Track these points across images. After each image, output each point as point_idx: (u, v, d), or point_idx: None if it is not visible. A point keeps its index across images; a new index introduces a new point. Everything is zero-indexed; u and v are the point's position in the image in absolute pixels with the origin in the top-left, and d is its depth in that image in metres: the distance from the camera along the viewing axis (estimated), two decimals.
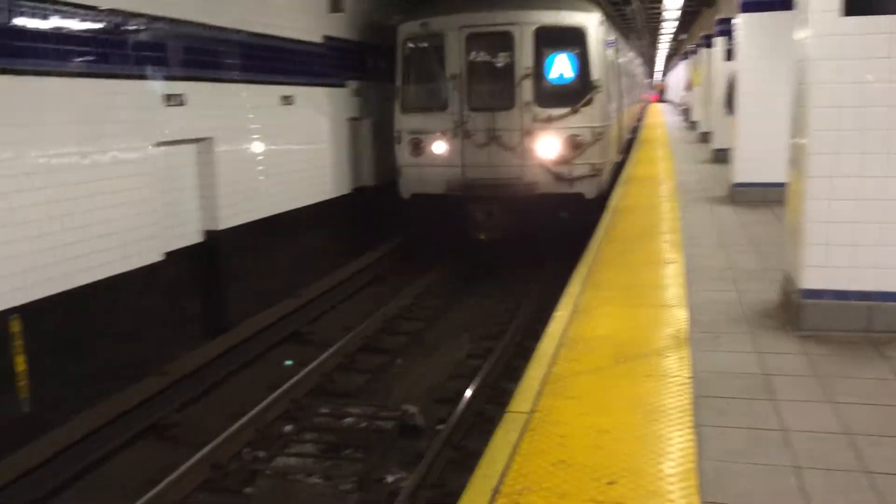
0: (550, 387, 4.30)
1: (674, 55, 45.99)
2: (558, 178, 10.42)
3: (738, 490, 3.21)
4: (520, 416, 3.91)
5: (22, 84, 5.86)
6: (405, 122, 11.04)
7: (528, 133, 10.44)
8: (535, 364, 4.67)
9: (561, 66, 10.47)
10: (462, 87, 10.64)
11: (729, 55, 13.75)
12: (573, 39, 10.41)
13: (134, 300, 7.05)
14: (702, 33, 20.58)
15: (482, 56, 10.63)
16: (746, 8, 10.26)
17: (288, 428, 6.40)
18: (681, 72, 37.75)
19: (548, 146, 10.41)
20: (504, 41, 10.51)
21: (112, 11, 6.78)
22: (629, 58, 21.85)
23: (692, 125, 25.22)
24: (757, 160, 10.33)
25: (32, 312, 5.89)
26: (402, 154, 11.06)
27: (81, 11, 6.45)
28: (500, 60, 10.60)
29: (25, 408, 5.81)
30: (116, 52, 6.90)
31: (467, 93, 10.66)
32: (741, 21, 10.36)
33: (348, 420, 6.50)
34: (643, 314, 5.62)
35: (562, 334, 5.20)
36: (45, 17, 6.06)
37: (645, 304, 5.87)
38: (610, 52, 12.14)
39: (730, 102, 11.38)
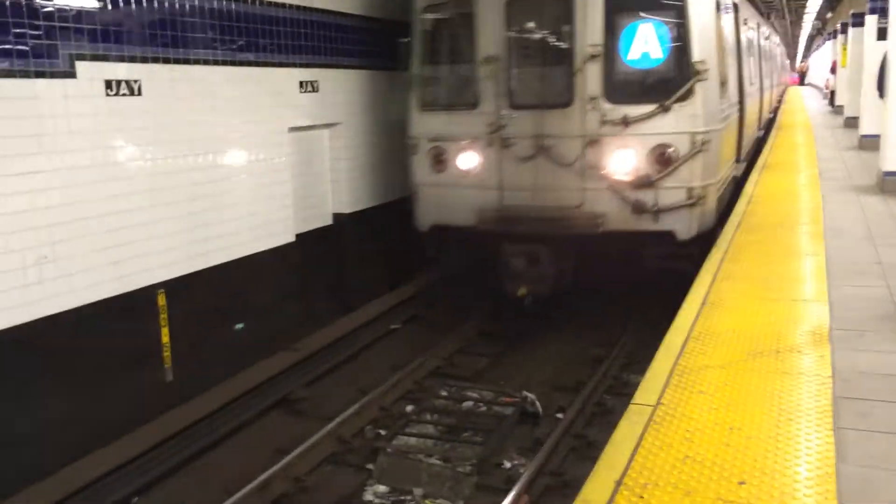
0: (677, 379, 4.16)
1: (817, 35, 43.23)
2: (637, 208, 7.23)
3: (881, 498, 3.00)
4: (645, 409, 3.80)
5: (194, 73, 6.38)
6: (423, 125, 8.10)
7: (593, 141, 7.28)
8: (661, 356, 4.53)
9: (645, 41, 7.23)
10: (500, 75, 7.60)
11: (881, 34, 12.76)
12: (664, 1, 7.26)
13: (266, 279, 7.41)
14: (851, 10, 19.20)
15: (528, 31, 7.37)
16: None
17: (409, 408, 6.54)
18: (825, 53, 35.45)
19: (623, 161, 7.25)
20: (560, 7, 7.39)
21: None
22: (763, 33, 18.68)
23: (837, 109, 23.66)
24: None
25: (176, 287, 6.31)
26: (420, 169, 8.14)
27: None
28: (555, 36, 7.37)
29: (169, 377, 6.23)
30: (264, 42, 7.29)
31: (507, 83, 7.62)
32: None
33: (468, 403, 6.57)
34: (780, 308, 5.33)
35: (690, 327, 5.02)
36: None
37: (782, 298, 5.56)
38: (727, 20, 8.95)
39: (881, 85, 10.57)
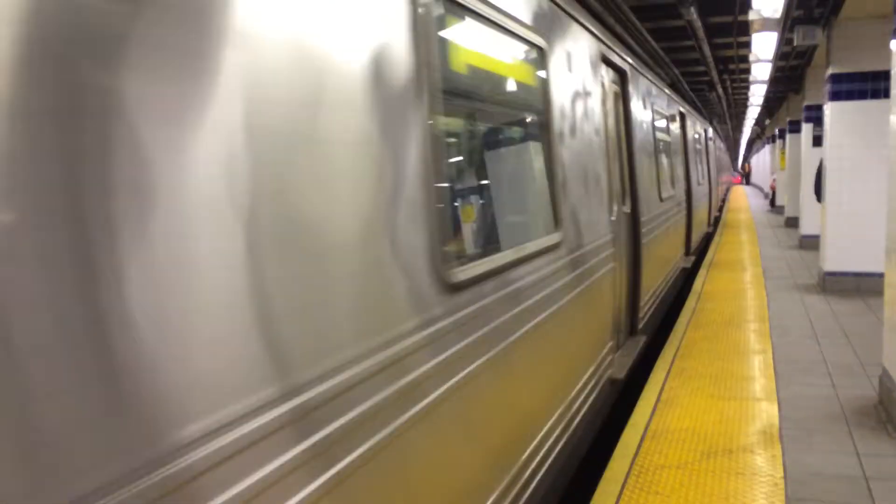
0: (634, 480, 4.19)
1: (757, 139, 45.45)
2: None
3: None
4: None
5: None
6: None
7: None
8: (618, 455, 4.57)
9: None
10: None
11: (817, 141, 13.54)
12: None
13: None
14: (788, 118, 20.33)
15: None
16: (835, 96, 10.15)
17: None
18: (765, 155, 37.20)
19: None
20: None
21: None
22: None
23: (778, 209, 24.70)
24: (849, 248, 10.02)
25: None
26: None
27: None
28: None
29: None
30: None
31: None
32: (830, 109, 10.24)
33: None
34: (731, 407, 5.44)
35: (646, 424, 5.08)
36: None
37: (733, 397, 5.69)
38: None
39: (818, 189, 11.12)
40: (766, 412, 5.31)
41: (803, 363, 6.64)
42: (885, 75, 5.72)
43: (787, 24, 9.92)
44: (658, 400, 5.63)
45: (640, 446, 4.69)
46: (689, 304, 9.46)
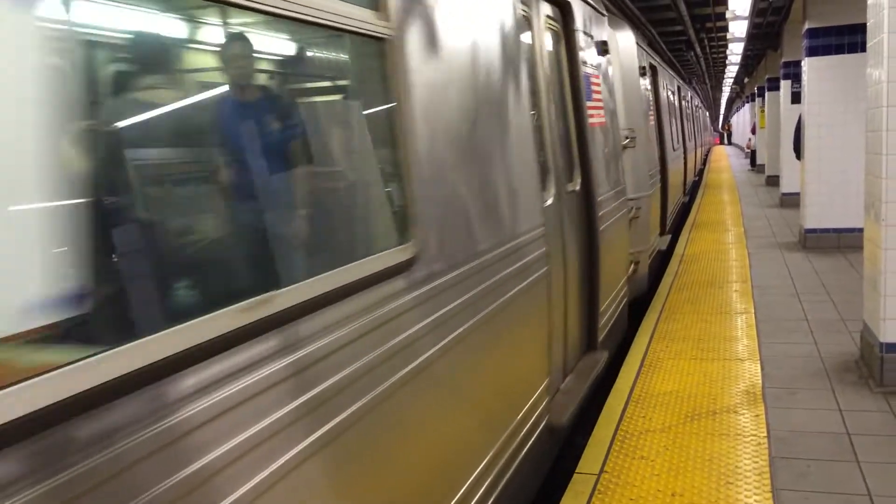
0: (619, 445, 4.18)
1: (736, 98, 45.44)
2: None
3: None
4: (589, 478, 3.80)
5: None
6: None
7: None
8: (603, 421, 4.56)
9: None
10: None
11: (795, 98, 13.50)
12: None
13: None
14: (767, 76, 20.27)
15: None
16: (812, 52, 10.09)
17: None
18: (745, 115, 37.20)
19: None
20: None
21: None
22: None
23: (759, 168, 24.75)
24: (828, 205, 10.04)
25: None
26: None
27: None
28: None
29: None
30: None
31: None
32: (807, 65, 10.18)
33: None
34: (714, 368, 5.44)
35: (630, 390, 5.08)
36: None
37: (716, 358, 5.69)
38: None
39: (798, 146, 11.10)
40: (749, 372, 5.32)
41: (785, 322, 6.66)
42: (862, 28, 5.65)
43: None
44: (642, 364, 5.62)
45: (623, 411, 4.68)
46: (672, 266, 9.46)
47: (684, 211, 15.12)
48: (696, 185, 20.80)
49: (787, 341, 6.07)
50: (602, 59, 6.09)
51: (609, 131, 6.01)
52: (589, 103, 5.22)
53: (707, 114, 42.78)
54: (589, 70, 5.46)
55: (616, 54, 7.32)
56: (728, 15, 14.73)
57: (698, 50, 21.13)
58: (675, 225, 12.64)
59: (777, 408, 4.66)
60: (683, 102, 17.49)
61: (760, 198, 17.27)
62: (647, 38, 14.07)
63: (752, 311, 7.02)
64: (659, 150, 10.26)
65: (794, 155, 11.83)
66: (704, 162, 30.15)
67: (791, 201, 13.73)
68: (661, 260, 9.59)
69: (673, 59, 21.72)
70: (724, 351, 5.86)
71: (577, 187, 4.93)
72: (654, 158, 9.14)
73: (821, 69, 10.04)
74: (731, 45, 19.77)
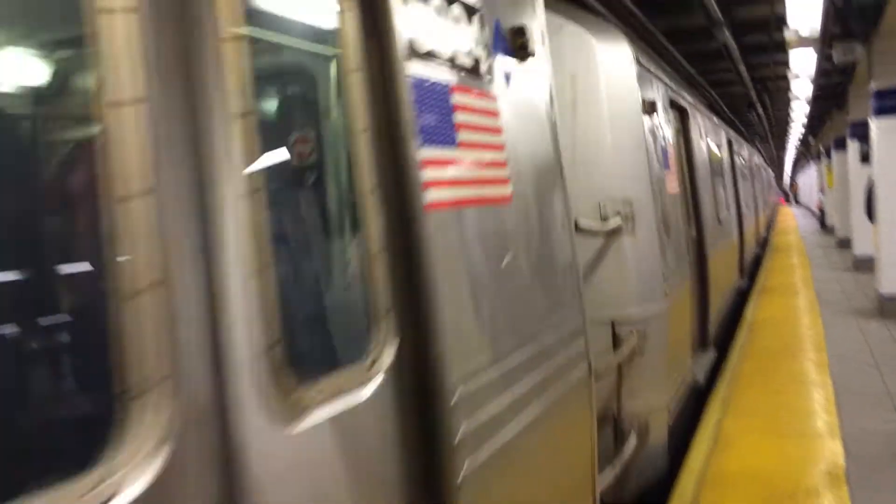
0: None
1: (801, 157, 44.59)
2: None
3: None
4: None
5: None
6: None
7: None
8: None
9: None
10: None
11: (864, 158, 13.14)
12: None
13: None
14: (834, 135, 19.83)
15: None
16: (881, 112, 9.84)
17: None
18: (812, 174, 36.42)
19: None
20: None
21: None
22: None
23: (828, 229, 24.03)
24: None
25: None
26: None
27: None
28: None
29: None
30: None
31: None
32: (875, 125, 9.92)
33: None
34: (791, 446, 5.16)
35: (701, 469, 4.84)
36: None
37: (793, 434, 5.40)
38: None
39: (870, 209, 10.74)
40: (830, 450, 5.02)
41: (866, 395, 6.31)
42: None
43: (827, 41, 9.70)
44: (714, 440, 5.37)
45: (696, 493, 4.45)
46: (740, 334, 9.13)
47: (741, 301, 11.41)
48: (764, 242, 19.35)
49: (870, 417, 5.74)
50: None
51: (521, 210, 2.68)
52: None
53: (771, 172, 41.83)
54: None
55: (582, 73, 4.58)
56: (790, 75, 14.59)
57: (760, 110, 20.90)
58: (748, 271, 11.79)
59: (862, 490, 4.37)
60: (738, 159, 13.79)
61: (832, 260, 16.70)
62: (677, 71, 10.92)
63: (829, 383, 6.69)
64: (695, 230, 7.00)
65: (865, 217, 11.45)
66: (768, 228, 24.86)
67: (865, 265, 13.24)
68: (726, 329, 9.05)
69: (734, 119, 21.48)
70: (802, 426, 5.57)
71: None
72: (680, 245, 5.69)
73: (890, 129, 9.77)
74: (794, 104, 19.48)
